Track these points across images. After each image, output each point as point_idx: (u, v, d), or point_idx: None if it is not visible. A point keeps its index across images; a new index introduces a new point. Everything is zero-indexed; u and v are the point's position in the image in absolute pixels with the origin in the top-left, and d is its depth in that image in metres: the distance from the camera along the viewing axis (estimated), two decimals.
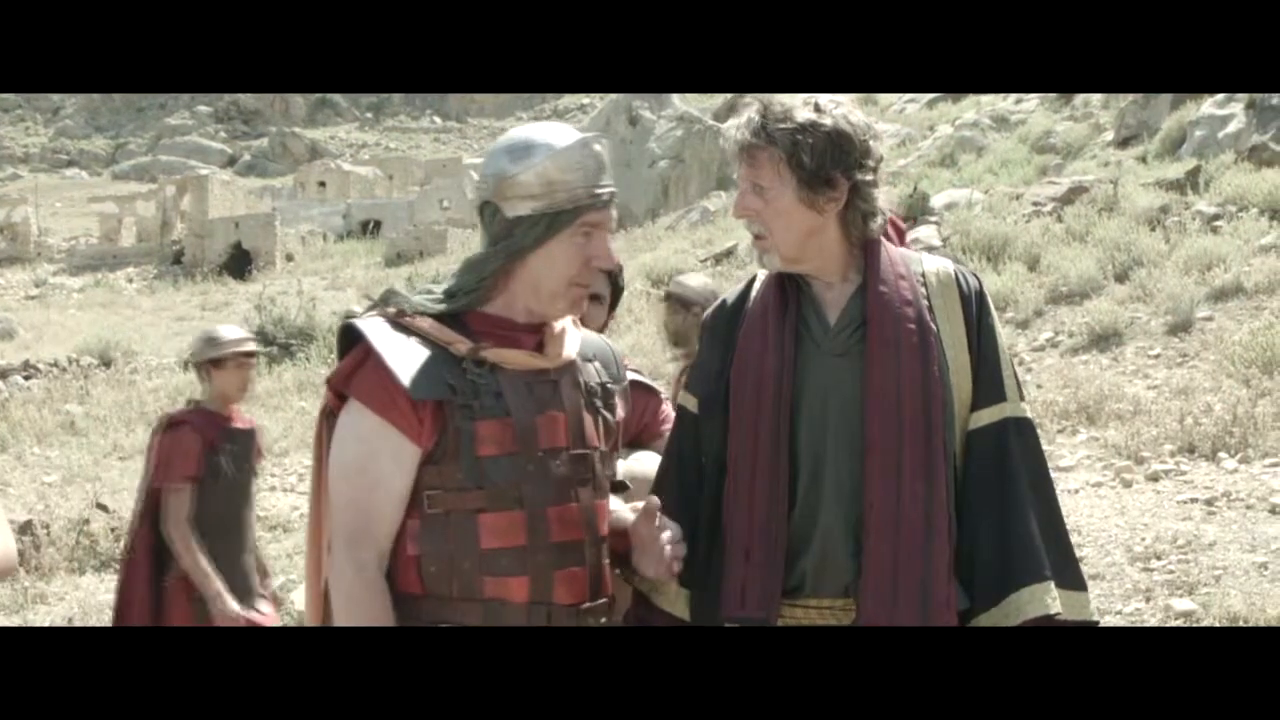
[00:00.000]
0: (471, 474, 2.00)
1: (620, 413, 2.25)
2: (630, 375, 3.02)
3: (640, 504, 2.42)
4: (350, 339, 2.08)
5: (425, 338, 2.04)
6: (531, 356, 2.08)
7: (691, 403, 2.29)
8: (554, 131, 2.09)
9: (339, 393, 2.08)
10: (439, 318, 2.07)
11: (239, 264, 41.44)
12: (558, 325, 2.15)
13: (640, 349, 13.39)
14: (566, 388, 2.12)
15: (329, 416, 2.11)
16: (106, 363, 20.49)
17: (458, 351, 2.03)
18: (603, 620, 2.14)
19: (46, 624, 6.83)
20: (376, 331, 2.03)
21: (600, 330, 3.00)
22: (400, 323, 2.06)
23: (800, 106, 2.11)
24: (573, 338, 2.18)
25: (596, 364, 2.22)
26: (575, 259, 2.07)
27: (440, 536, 2.01)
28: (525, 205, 2.04)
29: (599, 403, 2.18)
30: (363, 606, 1.96)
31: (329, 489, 2.06)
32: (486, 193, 2.08)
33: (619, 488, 2.27)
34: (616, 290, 3.05)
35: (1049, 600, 2.06)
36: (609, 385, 2.23)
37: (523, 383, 2.06)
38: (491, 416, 2.01)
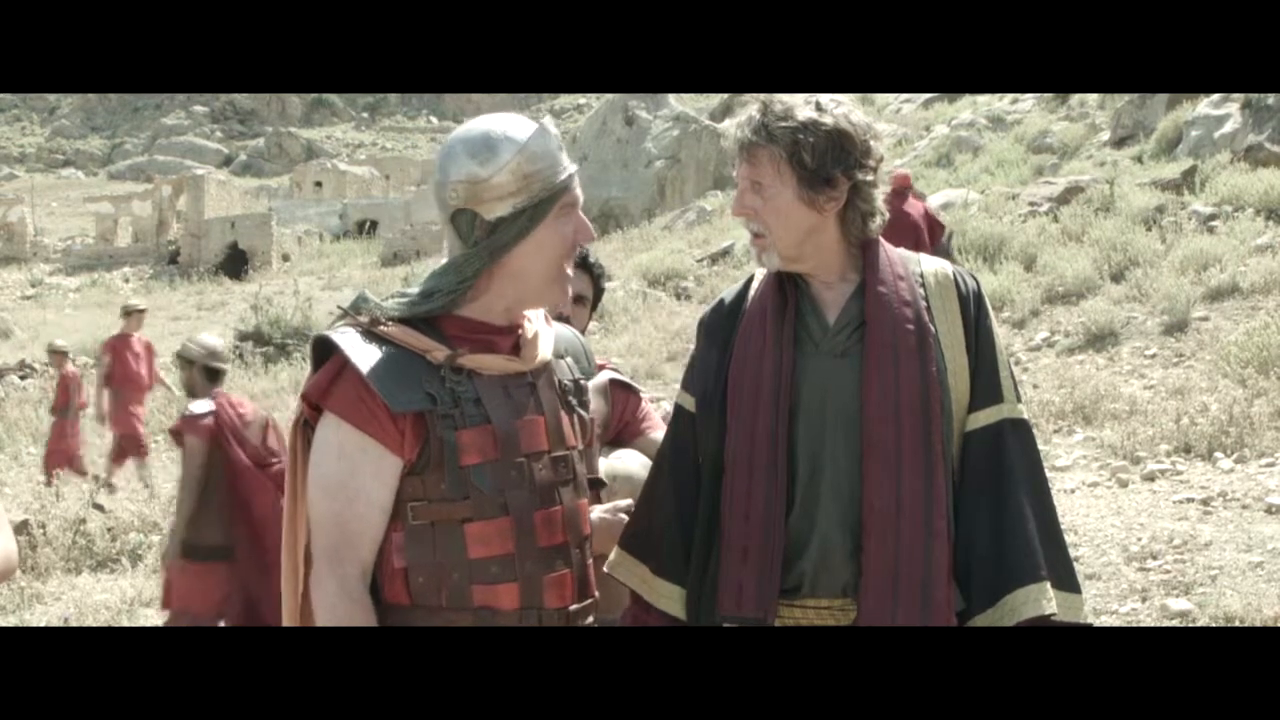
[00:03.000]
0: (456, 484, 1.96)
1: (592, 407, 2.23)
2: (609, 374, 3.02)
3: (623, 502, 2.42)
4: (324, 351, 2.04)
5: (400, 346, 1.99)
6: (509, 360, 2.06)
7: (689, 401, 2.28)
8: (508, 124, 2.04)
9: (314, 405, 2.04)
10: (413, 323, 2.02)
11: (235, 264, 41.38)
12: (531, 327, 2.13)
13: (636, 349, 13.39)
14: (543, 389, 2.10)
15: (304, 427, 2.07)
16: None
17: (434, 359, 1.99)
18: (590, 620, 2.13)
19: (43, 624, 6.81)
20: (350, 343, 1.99)
21: (582, 330, 2.99)
22: (374, 332, 2.01)
23: (801, 105, 2.11)
24: (546, 337, 2.16)
25: (569, 360, 2.22)
26: (560, 242, 2.05)
27: (426, 547, 1.98)
28: (505, 205, 2.00)
29: (573, 400, 2.17)
30: (347, 621, 1.93)
31: (308, 504, 2.01)
32: (459, 200, 2.02)
33: (597, 485, 2.27)
34: (598, 291, 3.06)
35: (1045, 601, 2.06)
36: (581, 381, 2.22)
37: (500, 387, 2.03)
38: (473, 425, 1.98)
